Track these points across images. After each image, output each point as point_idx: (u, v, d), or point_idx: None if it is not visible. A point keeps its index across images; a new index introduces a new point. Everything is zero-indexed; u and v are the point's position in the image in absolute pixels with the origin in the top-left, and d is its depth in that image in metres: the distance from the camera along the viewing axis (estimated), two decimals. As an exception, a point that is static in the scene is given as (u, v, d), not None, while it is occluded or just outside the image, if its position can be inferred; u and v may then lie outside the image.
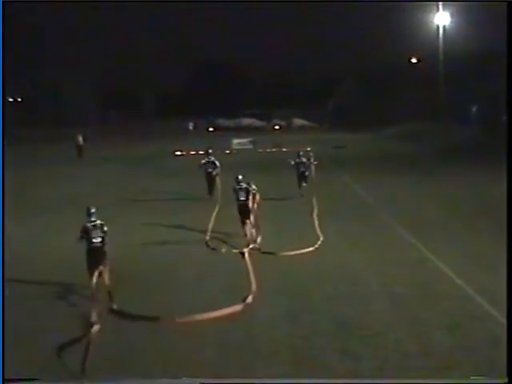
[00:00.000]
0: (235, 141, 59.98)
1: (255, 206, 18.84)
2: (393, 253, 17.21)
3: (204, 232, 20.16)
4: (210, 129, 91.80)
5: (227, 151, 53.27)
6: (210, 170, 28.17)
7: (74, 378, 10.05)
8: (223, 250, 17.94)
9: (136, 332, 11.82)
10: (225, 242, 18.79)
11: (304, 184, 27.96)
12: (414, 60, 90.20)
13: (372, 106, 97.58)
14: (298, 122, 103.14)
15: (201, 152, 48.61)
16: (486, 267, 15.34)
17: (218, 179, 27.68)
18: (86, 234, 13.87)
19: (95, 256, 13.77)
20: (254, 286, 14.15)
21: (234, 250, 17.74)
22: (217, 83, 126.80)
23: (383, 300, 13.37)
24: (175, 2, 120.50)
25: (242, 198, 18.76)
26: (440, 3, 69.98)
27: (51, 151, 56.67)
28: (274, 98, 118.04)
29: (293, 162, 28.24)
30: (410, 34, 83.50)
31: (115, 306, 13.17)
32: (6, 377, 9.04)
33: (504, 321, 11.50)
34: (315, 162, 31.12)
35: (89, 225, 13.86)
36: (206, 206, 24.89)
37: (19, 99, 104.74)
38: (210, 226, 20.99)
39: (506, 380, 6.79)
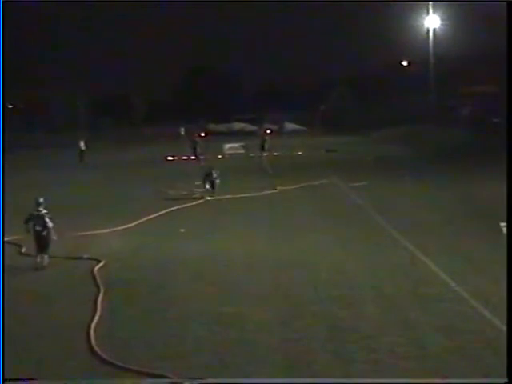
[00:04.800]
0: (227, 145, 59.83)
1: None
2: (386, 255, 17.20)
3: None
4: (202, 134, 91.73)
5: (219, 156, 53.21)
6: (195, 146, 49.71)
7: (74, 377, 10.02)
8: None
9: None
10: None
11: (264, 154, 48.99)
12: (404, 63, 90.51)
13: (363, 109, 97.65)
14: (289, 126, 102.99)
15: (192, 157, 48.81)
16: (480, 269, 15.35)
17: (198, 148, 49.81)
18: (30, 221, 16.48)
19: (39, 240, 16.41)
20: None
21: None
22: (208, 88, 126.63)
23: (376, 303, 13.37)
24: (168, 1, 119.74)
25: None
26: (430, 5, 70.25)
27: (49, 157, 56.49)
28: (265, 102, 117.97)
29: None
30: (401, 37, 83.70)
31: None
32: (5, 377, 8.98)
33: (498, 323, 11.50)
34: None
35: (34, 213, 16.47)
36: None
37: (10, 106, 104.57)
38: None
39: (505, 380, 6.73)
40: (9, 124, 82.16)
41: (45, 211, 16.56)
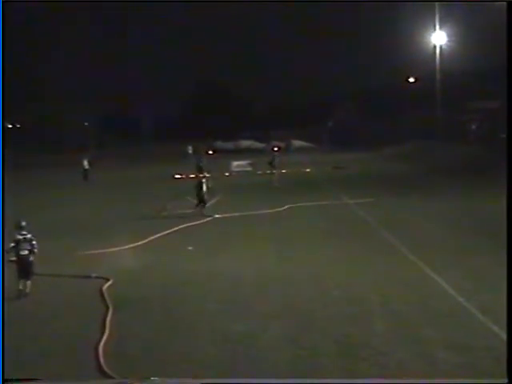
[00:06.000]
0: (235, 163, 60.00)
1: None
2: (395, 271, 17.16)
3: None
4: (210, 151, 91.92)
5: (226, 173, 53.32)
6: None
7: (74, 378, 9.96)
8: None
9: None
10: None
11: (274, 171, 45.70)
12: (411, 79, 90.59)
13: (370, 126, 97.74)
14: (296, 143, 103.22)
15: (201, 175, 48.88)
16: (489, 285, 15.28)
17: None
18: (16, 247, 15.61)
19: (24, 266, 15.60)
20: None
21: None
22: (215, 106, 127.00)
23: (385, 319, 13.31)
24: (174, 0, 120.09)
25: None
26: (437, 22, 70.28)
27: (55, 175, 56.71)
28: (272, 119, 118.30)
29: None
30: (407, 53, 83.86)
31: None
32: (5, 377, 8.95)
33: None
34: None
35: (19, 237, 15.62)
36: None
37: (18, 126, 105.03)
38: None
39: (506, 380, 6.69)
40: (16, 143, 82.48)
41: (30, 235, 15.81)
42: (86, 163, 51.98)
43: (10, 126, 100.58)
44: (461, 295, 14.54)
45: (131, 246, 21.93)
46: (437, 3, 69.22)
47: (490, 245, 19.99)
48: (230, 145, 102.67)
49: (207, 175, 31.17)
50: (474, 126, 76.74)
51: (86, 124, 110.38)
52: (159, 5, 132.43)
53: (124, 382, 9.53)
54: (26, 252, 15.67)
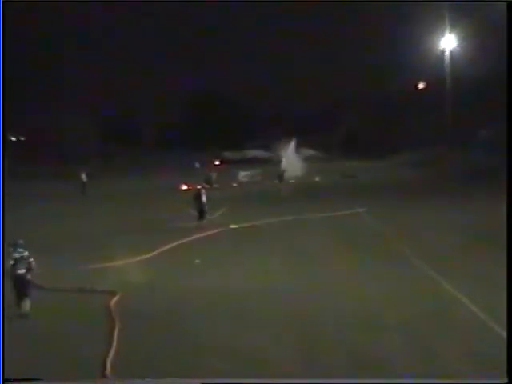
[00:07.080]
0: (242, 173, 60.05)
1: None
2: (407, 282, 16.99)
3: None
4: (216, 162, 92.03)
5: (234, 184, 53.29)
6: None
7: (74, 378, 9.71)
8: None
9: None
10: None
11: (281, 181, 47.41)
12: (420, 85, 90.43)
13: (381, 134, 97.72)
14: (305, 151, 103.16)
15: (198, 186, 48.65)
16: (504, 295, 14.98)
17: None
18: (14, 264, 15.16)
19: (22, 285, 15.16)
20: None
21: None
22: (222, 116, 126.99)
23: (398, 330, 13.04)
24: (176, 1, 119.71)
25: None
26: (447, 28, 69.88)
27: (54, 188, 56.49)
28: (281, 128, 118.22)
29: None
30: (417, 59, 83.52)
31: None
32: (5, 377, 8.73)
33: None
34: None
35: (17, 255, 15.19)
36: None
37: (22, 138, 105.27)
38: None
39: (506, 380, 6.44)
40: (17, 155, 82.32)
41: (26, 253, 15.33)
42: (83, 176, 51.47)
43: (13, 139, 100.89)
44: (476, 305, 14.31)
45: (136, 260, 21.59)
46: (447, 8, 68.93)
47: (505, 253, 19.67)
48: (237, 155, 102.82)
49: (206, 186, 30.87)
50: (483, 132, 76.55)
51: (87, 133, 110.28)
52: (160, 11, 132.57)
53: (124, 383, 9.43)
54: (23, 271, 15.23)
